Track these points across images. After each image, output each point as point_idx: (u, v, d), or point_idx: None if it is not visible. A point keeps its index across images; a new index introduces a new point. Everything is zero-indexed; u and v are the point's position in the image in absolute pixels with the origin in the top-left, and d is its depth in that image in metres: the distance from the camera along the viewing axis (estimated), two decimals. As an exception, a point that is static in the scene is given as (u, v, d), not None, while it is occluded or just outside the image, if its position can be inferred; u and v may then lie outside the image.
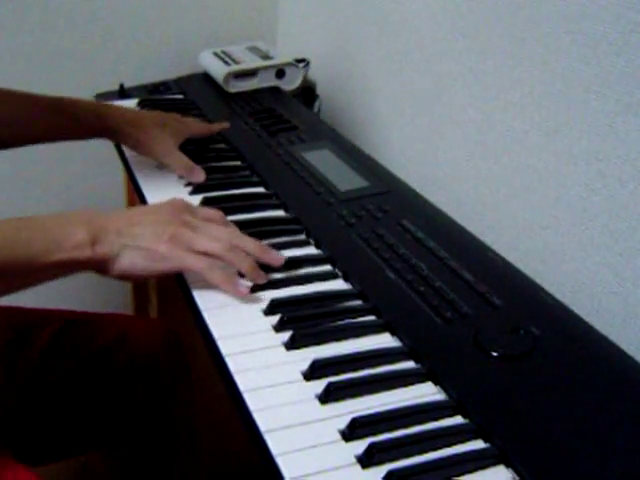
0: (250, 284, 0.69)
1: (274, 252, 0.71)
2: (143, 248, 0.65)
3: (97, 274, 0.67)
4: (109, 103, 1.04)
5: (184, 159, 0.91)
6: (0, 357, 0.83)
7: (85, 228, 0.64)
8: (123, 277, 0.67)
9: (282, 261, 0.71)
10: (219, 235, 0.69)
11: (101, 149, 1.08)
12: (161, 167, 0.95)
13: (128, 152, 0.99)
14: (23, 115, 0.88)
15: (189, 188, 0.90)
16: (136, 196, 0.93)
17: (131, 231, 0.66)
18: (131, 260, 0.65)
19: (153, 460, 0.95)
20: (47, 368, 0.86)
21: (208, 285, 0.69)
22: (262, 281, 0.69)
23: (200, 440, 0.98)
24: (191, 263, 0.67)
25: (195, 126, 1.00)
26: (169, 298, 1.25)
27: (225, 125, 1.03)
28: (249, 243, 0.70)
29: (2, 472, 0.66)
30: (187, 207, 0.72)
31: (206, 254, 0.67)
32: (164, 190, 0.90)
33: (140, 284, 1.35)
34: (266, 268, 0.71)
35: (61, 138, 0.92)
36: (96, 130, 0.92)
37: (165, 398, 0.92)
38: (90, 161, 1.43)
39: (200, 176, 0.90)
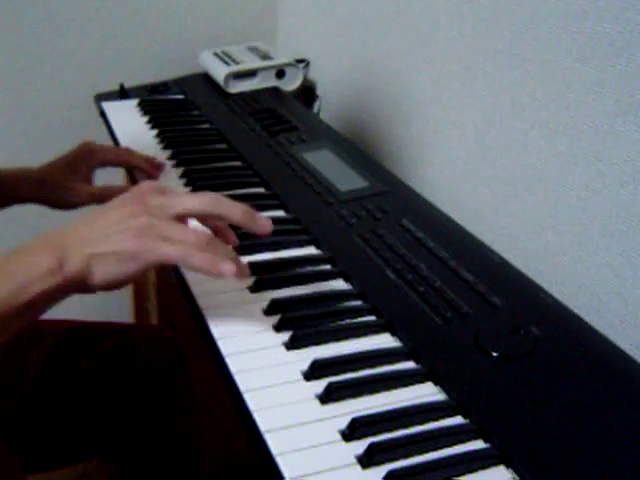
0: (234, 265, 0.58)
1: (261, 217, 0.63)
2: (110, 253, 0.57)
3: (81, 294, 0.59)
4: (17, 167, 0.92)
5: (93, 191, 0.90)
6: (3, 366, 0.83)
7: (48, 252, 0.56)
8: (108, 288, 0.59)
9: (269, 229, 0.63)
10: (196, 199, 0.61)
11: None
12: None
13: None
14: None
15: (188, 188, 0.90)
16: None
17: (94, 237, 0.57)
18: (104, 269, 0.57)
19: (153, 466, 0.95)
20: (49, 378, 0.86)
21: (209, 285, 0.69)
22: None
23: (201, 445, 0.98)
24: (165, 253, 0.57)
25: (110, 153, 0.95)
26: (169, 301, 1.25)
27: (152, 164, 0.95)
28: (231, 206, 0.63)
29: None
30: (154, 189, 0.61)
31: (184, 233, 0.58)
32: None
33: (139, 288, 1.35)
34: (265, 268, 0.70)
35: None
36: (10, 200, 0.90)
37: (166, 405, 0.92)
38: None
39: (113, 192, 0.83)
